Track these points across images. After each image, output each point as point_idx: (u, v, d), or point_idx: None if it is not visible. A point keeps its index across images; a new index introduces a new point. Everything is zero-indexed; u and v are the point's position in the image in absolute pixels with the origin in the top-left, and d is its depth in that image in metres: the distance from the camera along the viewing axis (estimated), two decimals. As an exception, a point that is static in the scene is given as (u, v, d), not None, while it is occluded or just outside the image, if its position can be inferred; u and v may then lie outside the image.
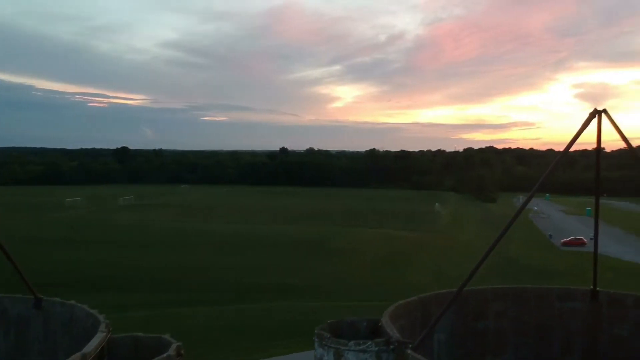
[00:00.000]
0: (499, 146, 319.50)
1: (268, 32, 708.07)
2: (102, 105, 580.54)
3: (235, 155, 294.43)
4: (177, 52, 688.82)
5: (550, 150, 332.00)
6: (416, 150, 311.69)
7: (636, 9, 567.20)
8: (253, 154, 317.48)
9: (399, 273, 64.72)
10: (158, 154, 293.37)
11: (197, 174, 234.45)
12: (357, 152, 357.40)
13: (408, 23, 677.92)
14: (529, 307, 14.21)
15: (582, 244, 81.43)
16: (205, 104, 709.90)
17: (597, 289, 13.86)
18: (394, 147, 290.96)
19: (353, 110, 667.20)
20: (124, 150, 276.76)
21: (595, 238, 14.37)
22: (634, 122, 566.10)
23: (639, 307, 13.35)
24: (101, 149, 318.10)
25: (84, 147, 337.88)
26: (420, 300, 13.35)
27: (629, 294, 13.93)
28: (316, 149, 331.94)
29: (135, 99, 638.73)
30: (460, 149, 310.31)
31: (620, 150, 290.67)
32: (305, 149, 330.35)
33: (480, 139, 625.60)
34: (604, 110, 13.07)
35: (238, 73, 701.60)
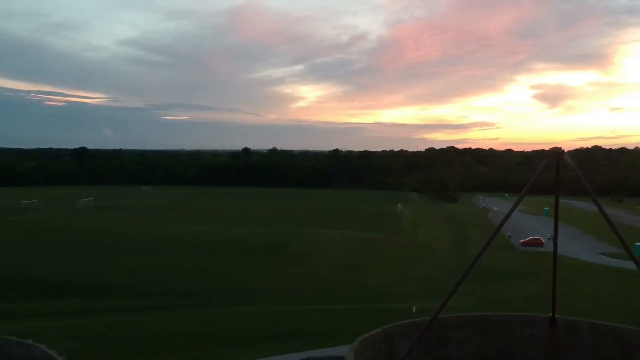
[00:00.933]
0: (460, 146, 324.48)
1: (230, 31, 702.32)
2: (59, 104, 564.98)
3: (196, 155, 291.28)
4: (137, 50, 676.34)
5: (509, 151, 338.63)
6: (379, 150, 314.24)
7: (592, 12, 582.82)
8: (215, 154, 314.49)
9: (363, 275, 64.96)
10: (118, 154, 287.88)
11: (158, 174, 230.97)
12: (321, 152, 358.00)
13: (370, 24, 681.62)
14: (491, 334, 14.39)
15: (540, 244, 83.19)
16: (166, 103, 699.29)
17: (556, 315, 14.11)
18: (357, 147, 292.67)
19: (316, 110, 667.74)
20: (82, 150, 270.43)
21: (554, 274, 14.62)
22: (589, 122, 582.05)
23: (595, 333, 13.65)
24: (59, 149, 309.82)
25: (40, 147, 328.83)
26: (384, 332, 13.36)
27: (585, 321, 14.24)
28: (279, 149, 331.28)
29: (94, 98, 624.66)
30: (422, 149, 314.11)
31: (576, 150, 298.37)
32: (268, 149, 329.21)
33: (441, 138, 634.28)
34: (563, 152, 13.91)
35: (200, 72, 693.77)
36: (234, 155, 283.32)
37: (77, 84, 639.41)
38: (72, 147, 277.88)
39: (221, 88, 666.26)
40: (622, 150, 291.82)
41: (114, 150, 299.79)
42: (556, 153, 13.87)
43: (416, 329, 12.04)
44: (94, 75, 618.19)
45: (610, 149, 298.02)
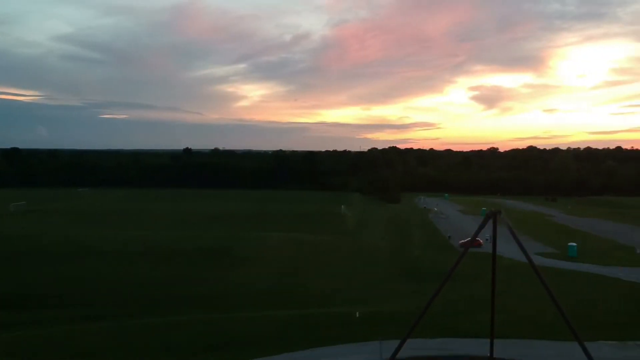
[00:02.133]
0: (402, 146, 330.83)
1: (170, 28, 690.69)
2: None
3: (136, 155, 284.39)
4: (72, 47, 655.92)
5: (449, 151, 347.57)
6: (322, 150, 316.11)
7: (528, 16, 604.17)
8: (156, 154, 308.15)
9: (306, 279, 64.81)
10: (53, 154, 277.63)
11: (96, 176, 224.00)
12: (264, 151, 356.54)
13: (313, 23, 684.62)
14: None
15: (479, 245, 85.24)
16: (104, 101, 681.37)
17: (494, 357, 14.33)
18: (301, 147, 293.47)
19: (259, 110, 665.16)
20: (14, 150, 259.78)
21: (492, 316, 14.90)
22: (525, 123, 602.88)
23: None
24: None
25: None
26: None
27: None
28: (221, 149, 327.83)
29: (27, 95, 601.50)
30: (365, 149, 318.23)
31: (512, 151, 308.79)
32: (210, 149, 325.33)
33: (384, 138, 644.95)
34: (499, 212, 15.86)
35: (139, 70, 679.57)
36: (175, 155, 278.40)
37: (8, 80, 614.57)
38: (4, 147, 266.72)
39: (162, 86, 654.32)
40: (556, 151, 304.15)
41: (49, 150, 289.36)
42: (493, 213, 15.55)
43: None
44: (27, 72, 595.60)
45: (545, 149, 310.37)
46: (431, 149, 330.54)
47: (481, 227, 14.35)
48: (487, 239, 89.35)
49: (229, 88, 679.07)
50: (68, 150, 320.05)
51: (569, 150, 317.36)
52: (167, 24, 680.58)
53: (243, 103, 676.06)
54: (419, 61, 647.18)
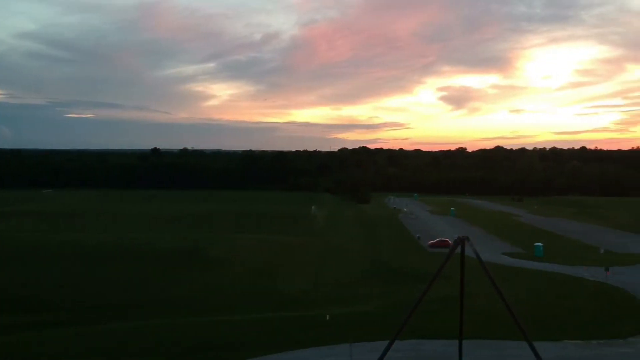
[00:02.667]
0: (371, 146, 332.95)
1: (138, 26, 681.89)
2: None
3: (103, 156, 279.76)
4: (37, 44, 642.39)
5: (418, 151, 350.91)
6: (292, 150, 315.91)
7: (495, 18, 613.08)
8: (123, 154, 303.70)
9: (276, 281, 64.54)
10: (17, 154, 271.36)
11: (62, 177, 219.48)
12: (234, 151, 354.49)
13: (283, 23, 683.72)
14: None
15: (448, 245, 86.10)
16: (69, 101, 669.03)
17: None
18: (271, 147, 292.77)
19: (228, 109, 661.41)
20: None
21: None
22: (492, 123, 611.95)
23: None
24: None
25: None
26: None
27: None
28: (190, 149, 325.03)
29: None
30: (335, 149, 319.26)
31: (480, 151, 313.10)
32: (179, 149, 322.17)
33: (353, 138, 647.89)
34: (467, 238, 15.98)
35: (106, 68, 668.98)
36: (142, 156, 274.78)
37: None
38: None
39: (129, 85, 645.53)
40: (522, 151, 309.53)
41: (12, 150, 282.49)
42: (461, 239, 15.69)
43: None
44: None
45: (511, 149, 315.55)
46: (401, 149, 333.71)
47: (450, 254, 14.90)
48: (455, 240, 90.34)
49: (198, 87, 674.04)
50: (32, 151, 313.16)
51: (535, 150, 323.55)
52: (134, 22, 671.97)
53: (212, 102, 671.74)
54: (388, 61, 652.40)
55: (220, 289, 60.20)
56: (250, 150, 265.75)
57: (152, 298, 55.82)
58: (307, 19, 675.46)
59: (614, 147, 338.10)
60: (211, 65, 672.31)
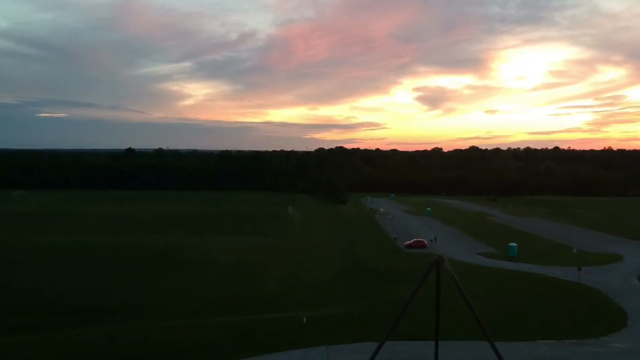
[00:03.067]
0: (348, 146, 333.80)
1: (112, 24, 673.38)
2: None
3: (76, 156, 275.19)
4: (7, 42, 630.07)
5: (395, 151, 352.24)
6: (269, 150, 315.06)
7: (470, 19, 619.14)
8: (97, 154, 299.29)
9: (254, 283, 64.16)
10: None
11: (33, 177, 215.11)
12: (210, 151, 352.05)
13: (260, 22, 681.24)
14: None
15: (424, 246, 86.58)
16: (41, 99, 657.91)
17: None
18: (247, 147, 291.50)
19: (205, 109, 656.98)
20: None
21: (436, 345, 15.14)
22: (467, 123, 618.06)
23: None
24: None
25: None
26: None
27: None
28: (166, 149, 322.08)
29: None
30: (312, 149, 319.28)
31: (455, 151, 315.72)
32: (154, 149, 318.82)
33: (330, 138, 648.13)
34: (442, 258, 16.64)
35: (79, 67, 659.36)
36: (117, 156, 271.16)
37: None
38: None
39: (103, 84, 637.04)
40: (497, 151, 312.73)
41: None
42: (436, 260, 16.17)
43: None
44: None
45: (486, 149, 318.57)
46: (377, 149, 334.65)
47: (425, 275, 15.20)
48: (431, 240, 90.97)
49: (174, 86, 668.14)
50: (2, 150, 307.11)
51: (509, 150, 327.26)
52: (108, 20, 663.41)
53: (188, 102, 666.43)
54: (365, 61, 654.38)
55: (195, 292, 59.60)
56: (227, 150, 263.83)
57: (124, 301, 54.97)
58: (284, 18, 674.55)
59: (587, 147, 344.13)
60: (187, 64, 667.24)
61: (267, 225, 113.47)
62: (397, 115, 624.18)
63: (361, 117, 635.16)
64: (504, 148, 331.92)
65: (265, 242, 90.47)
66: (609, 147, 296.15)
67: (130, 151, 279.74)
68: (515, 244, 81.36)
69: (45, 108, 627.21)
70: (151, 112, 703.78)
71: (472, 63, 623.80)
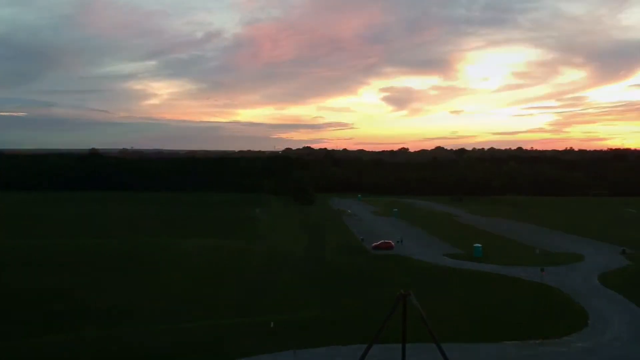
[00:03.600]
0: (316, 146, 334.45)
1: (74, 22, 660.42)
2: None
3: (37, 157, 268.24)
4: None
5: (362, 151, 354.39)
6: (236, 150, 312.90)
7: (435, 20, 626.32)
8: (59, 155, 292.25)
9: (220, 287, 63.45)
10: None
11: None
12: (176, 151, 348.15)
13: (226, 21, 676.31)
14: None
15: (390, 247, 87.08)
16: (0, 98, 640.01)
17: None
18: (214, 147, 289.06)
19: (170, 108, 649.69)
20: None
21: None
22: (433, 124, 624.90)
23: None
24: None
25: None
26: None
27: None
28: (130, 149, 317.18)
29: None
30: (280, 149, 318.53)
31: (421, 151, 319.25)
32: (118, 149, 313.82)
33: (298, 138, 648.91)
34: (409, 293, 18.08)
35: (40, 65, 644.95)
36: (80, 156, 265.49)
37: None
38: None
39: (64, 82, 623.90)
40: (462, 151, 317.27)
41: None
42: (403, 295, 17.21)
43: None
44: None
45: (452, 149, 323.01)
46: (344, 149, 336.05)
47: (392, 311, 15.60)
48: (398, 241, 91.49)
49: (138, 85, 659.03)
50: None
51: (474, 150, 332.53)
52: (71, 17, 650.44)
53: (152, 101, 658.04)
54: (332, 62, 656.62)
55: (163, 296, 58.66)
56: (193, 151, 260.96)
57: (87, 306, 53.73)
58: (250, 17, 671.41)
59: (549, 147, 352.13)
60: (152, 63, 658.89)
61: (234, 227, 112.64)
62: (364, 115, 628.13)
63: (328, 117, 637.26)
64: (469, 148, 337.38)
65: (232, 245, 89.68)
66: (571, 148, 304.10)
67: (94, 151, 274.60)
68: (480, 245, 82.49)
69: (4, 106, 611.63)
70: (115, 111, 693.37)
71: (437, 64, 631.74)
